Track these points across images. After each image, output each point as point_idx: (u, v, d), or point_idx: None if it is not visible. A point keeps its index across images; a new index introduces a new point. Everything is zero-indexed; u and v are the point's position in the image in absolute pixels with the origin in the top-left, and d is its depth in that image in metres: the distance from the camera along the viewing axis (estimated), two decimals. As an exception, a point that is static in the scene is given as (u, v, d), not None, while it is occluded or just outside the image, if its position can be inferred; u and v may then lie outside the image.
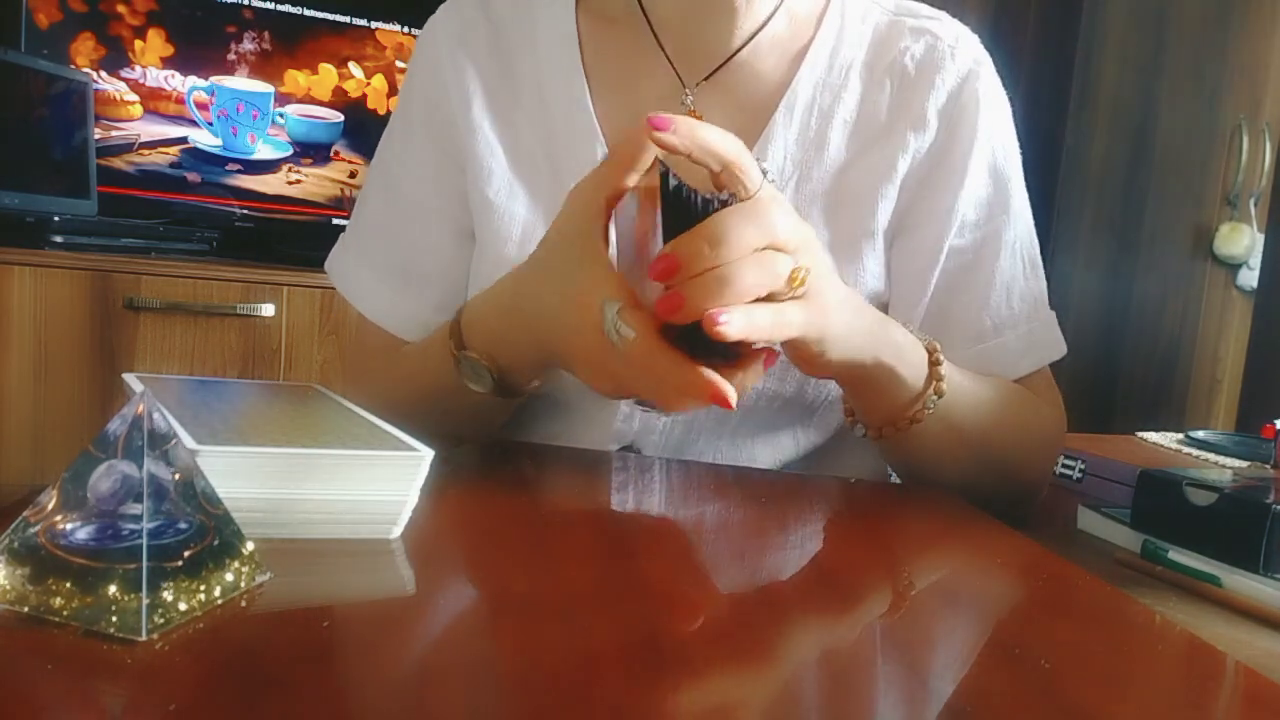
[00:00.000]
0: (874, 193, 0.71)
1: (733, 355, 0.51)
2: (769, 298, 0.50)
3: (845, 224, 0.71)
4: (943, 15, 0.76)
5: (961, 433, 0.67)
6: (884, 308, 0.75)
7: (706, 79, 0.73)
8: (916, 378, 0.63)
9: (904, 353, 0.62)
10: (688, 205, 0.49)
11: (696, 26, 0.72)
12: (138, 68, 1.97)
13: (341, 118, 2.11)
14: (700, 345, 0.49)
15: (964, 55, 0.73)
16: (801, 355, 0.57)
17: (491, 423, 0.70)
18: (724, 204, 0.49)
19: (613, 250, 0.55)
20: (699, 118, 0.72)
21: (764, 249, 0.49)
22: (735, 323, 0.47)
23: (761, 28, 0.72)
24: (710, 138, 0.50)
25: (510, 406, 0.67)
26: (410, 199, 0.76)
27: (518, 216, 0.72)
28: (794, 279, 0.50)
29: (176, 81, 2.00)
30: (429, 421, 0.67)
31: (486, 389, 0.63)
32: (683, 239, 0.48)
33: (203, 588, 0.33)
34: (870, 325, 0.59)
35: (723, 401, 0.49)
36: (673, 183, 0.49)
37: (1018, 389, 0.73)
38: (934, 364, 0.64)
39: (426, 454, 0.43)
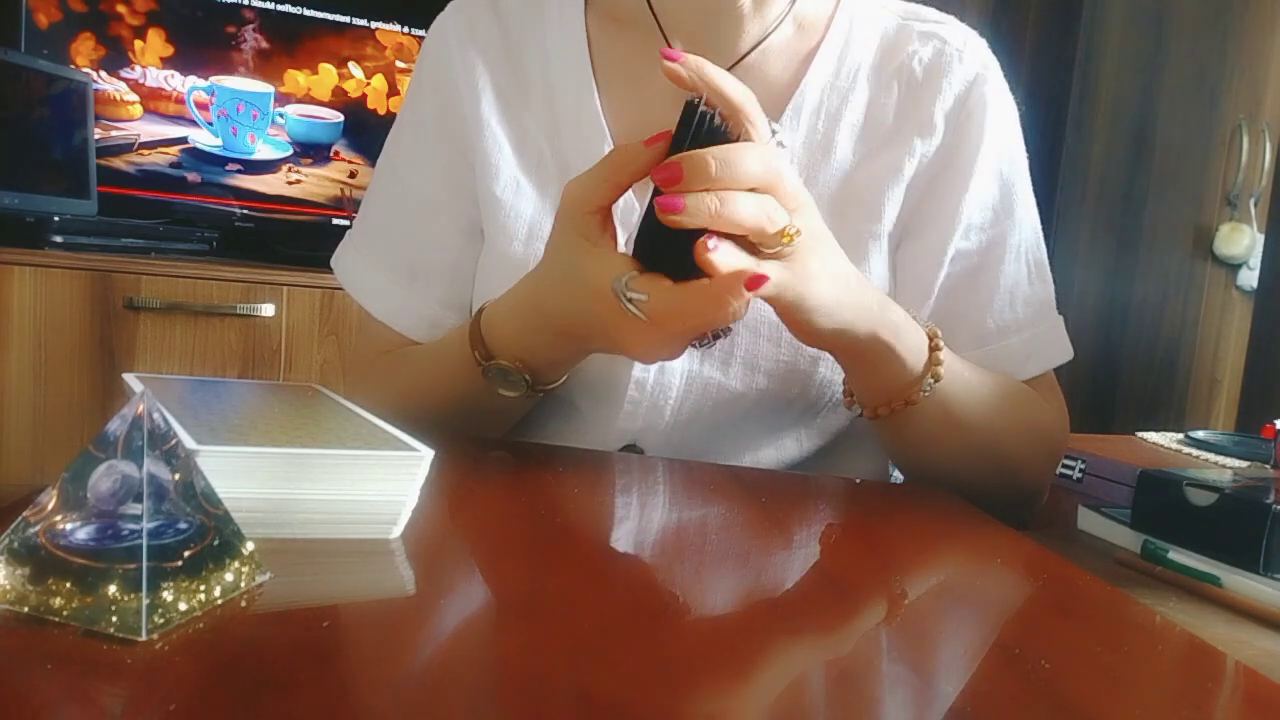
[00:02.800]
0: (880, 195, 0.72)
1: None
2: (755, 248, 0.51)
3: (851, 226, 0.71)
4: (950, 19, 0.76)
5: (959, 421, 0.67)
6: None
7: None
8: (915, 360, 0.63)
9: (902, 333, 0.62)
10: (704, 126, 0.50)
11: (705, 29, 0.72)
12: (138, 68, 1.97)
13: (341, 118, 2.11)
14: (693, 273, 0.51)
15: (971, 59, 0.73)
16: (786, 318, 0.58)
17: (512, 419, 0.70)
18: (737, 139, 0.51)
19: (622, 238, 0.57)
20: None
21: (765, 195, 0.51)
22: (724, 252, 0.49)
23: (770, 32, 0.73)
24: (718, 76, 0.52)
25: (534, 400, 0.67)
26: (418, 195, 0.77)
27: (524, 214, 0.72)
28: (784, 234, 0.52)
29: (176, 81, 2.00)
30: (444, 421, 0.67)
31: (520, 392, 0.64)
32: (694, 153, 0.50)
33: (203, 588, 0.33)
34: (866, 301, 0.60)
35: (759, 280, 0.50)
36: (700, 107, 0.51)
37: (1021, 387, 0.73)
38: (934, 349, 0.64)
39: (426, 454, 0.43)
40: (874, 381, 0.65)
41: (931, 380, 0.64)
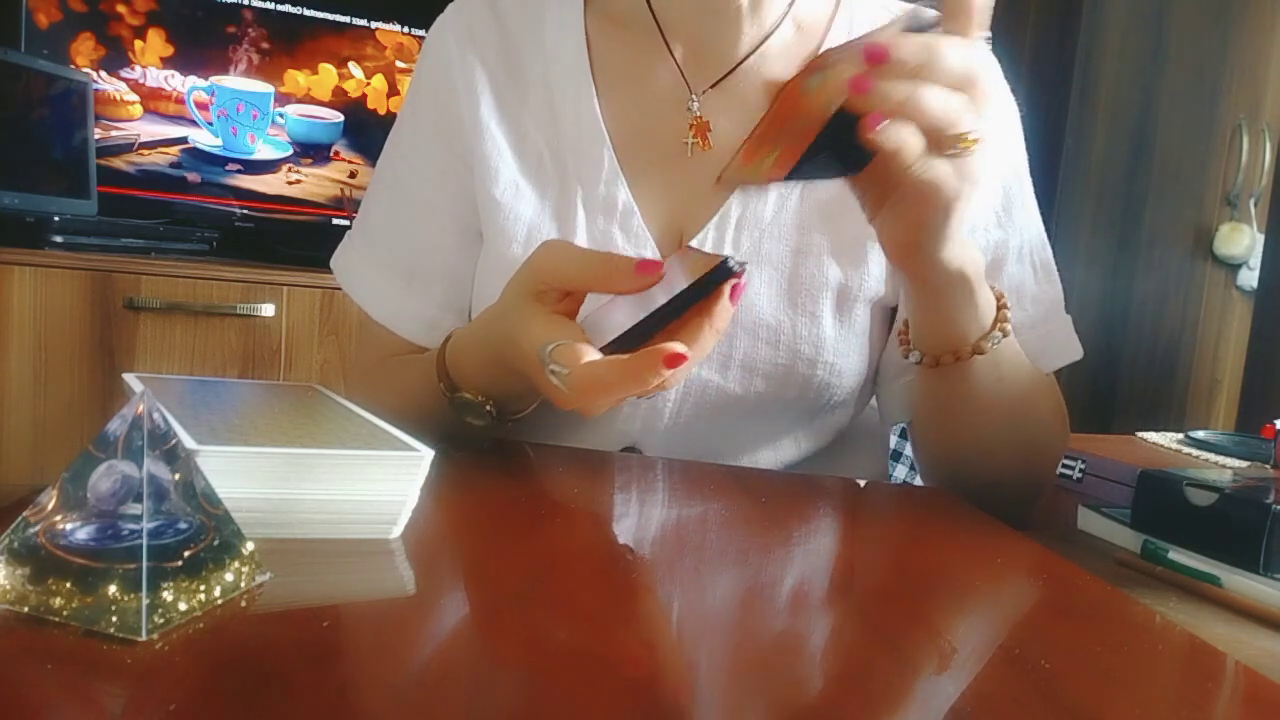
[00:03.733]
0: None
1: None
2: (934, 146, 0.50)
3: (849, 228, 0.71)
4: None
5: (1006, 387, 0.66)
6: (888, 312, 0.75)
7: (714, 85, 0.73)
8: (987, 310, 0.62)
9: (982, 282, 0.61)
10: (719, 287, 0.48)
11: (704, 32, 0.72)
12: (138, 68, 1.97)
13: (341, 118, 2.11)
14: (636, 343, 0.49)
15: None
16: (914, 234, 0.56)
17: (494, 435, 0.70)
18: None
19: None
20: (706, 124, 0.72)
21: (958, 93, 0.49)
22: (891, 134, 0.48)
23: (770, 34, 0.72)
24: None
25: (504, 427, 0.67)
26: (416, 197, 0.77)
27: (524, 216, 0.72)
28: (964, 139, 0.50)
29: (176, 81, 2.00)
30: (430, 432, 0.67)
31: (485, 422, 0.63)
32: (905, 37, 0.48)
33: (203, 588, 0.33)
34: (968, 241, 0.58)
35: (677, 358, 0.47)
36: (733, 265, 0.48)
37: (1045, 374, 0.73)
38: (1001, 306, 0.63)
39: (426, 454, 0.43)
40: (949, 323, 0.62)
41: (1000, 334, 0.63)
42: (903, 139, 0.48)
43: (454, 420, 0.65)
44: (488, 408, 0.63)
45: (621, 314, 0.52)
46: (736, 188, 0.54)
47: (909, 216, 0.54)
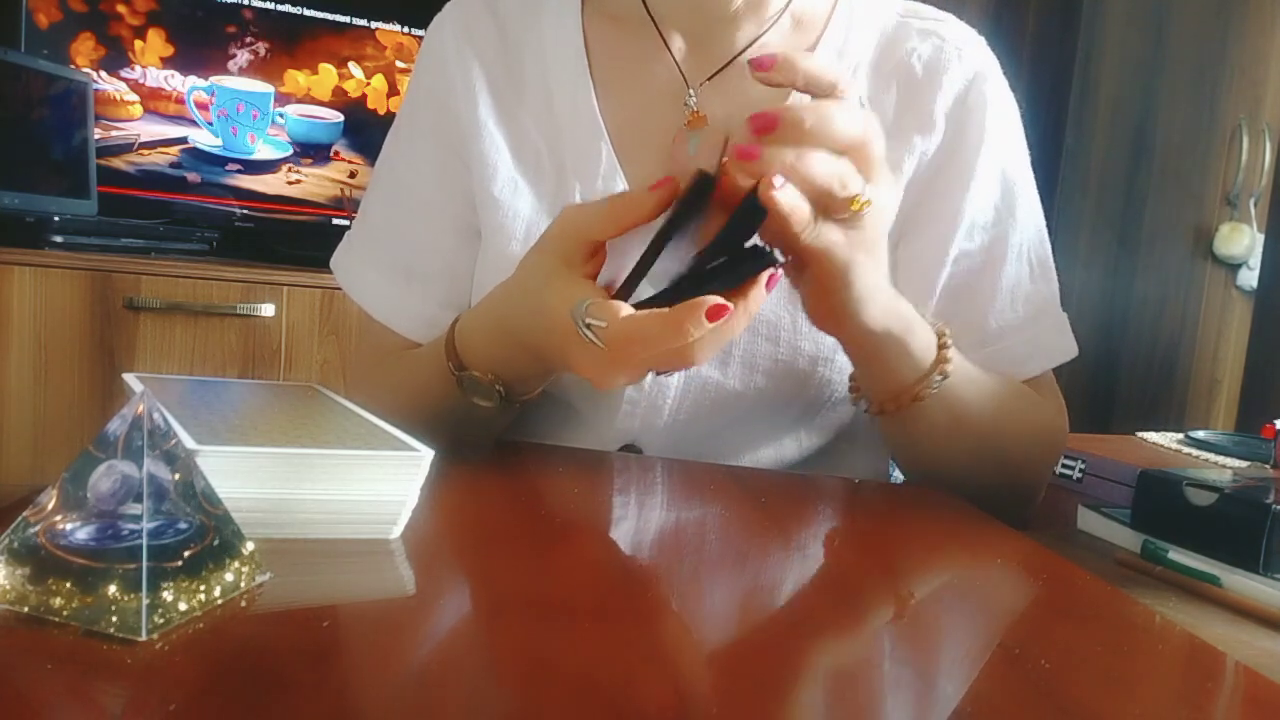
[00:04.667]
0: None
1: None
2: (823, 211, 0.50)
3: None
4: (949, 17, 0.76)
5: (964, 420, 0.66)
6: None
7: (710, 79, 0.73)
8: (924, 356, 0.63)
9: (913, 329, 0.61)
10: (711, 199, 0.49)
11: (701, 27, 0.72)
12: (138, 68, 1.97)
13: (341, 118, 2.11)
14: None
15: (971, 57, 0.73)
16: (817, 291, 0.57)
17: (497, 428, 0.70)
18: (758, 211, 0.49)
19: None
20: (703, 118, 0.72)
21: (844, 158, 0.50)
22: (789, 194, 0.48)
23: (767, 29, 0.73)
24: (809, 65, 0.51)
25: (515, 410, 0.67)
26: (415, 196, 0.77)
27: (522, 214, 0.72)
28: (855, 201, 0.51)
29: (176, 81, 2.00)
30: (433, 429, 0.67)
31: (493, 403, 0.63)
32: (792, 105, 0.49)
33: (203, 588, 0.33)
34: (887, 297, 0.59)
35: (720, 310, 0.47)
36: (709, 175, 0.49)
37: (1023, 388, 0.73)
38: (942, 347, 0.64)
39: (426, 454, 0.43)
40: (883, 376, 0.64)
41: (939, 377, 0.63)
42: (789, 203, 0.49)
43: (459, 410, 0.65)
44: (496, 387, 0.63)
45: (634, 249, 0.53)
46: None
47: (818, 284, 0.56)
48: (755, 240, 0.50)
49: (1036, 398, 0.74)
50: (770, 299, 0.70)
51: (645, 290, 0.52)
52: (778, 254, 0.50)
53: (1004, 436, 0.69)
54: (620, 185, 0.71)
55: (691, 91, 0.72)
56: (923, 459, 0.70)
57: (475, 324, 0.64)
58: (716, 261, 0.50)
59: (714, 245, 0.50)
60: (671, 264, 0.51)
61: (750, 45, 0.72)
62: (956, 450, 0.68)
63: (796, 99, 0.71)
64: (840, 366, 0.71)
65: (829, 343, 0.71)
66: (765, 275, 0.50)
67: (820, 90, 0.51)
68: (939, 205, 0.72)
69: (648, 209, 0.52)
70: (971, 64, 0.73)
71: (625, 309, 0.50)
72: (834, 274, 0.54)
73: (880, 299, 0.57)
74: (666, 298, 0.49)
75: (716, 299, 0.47)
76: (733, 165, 0.49)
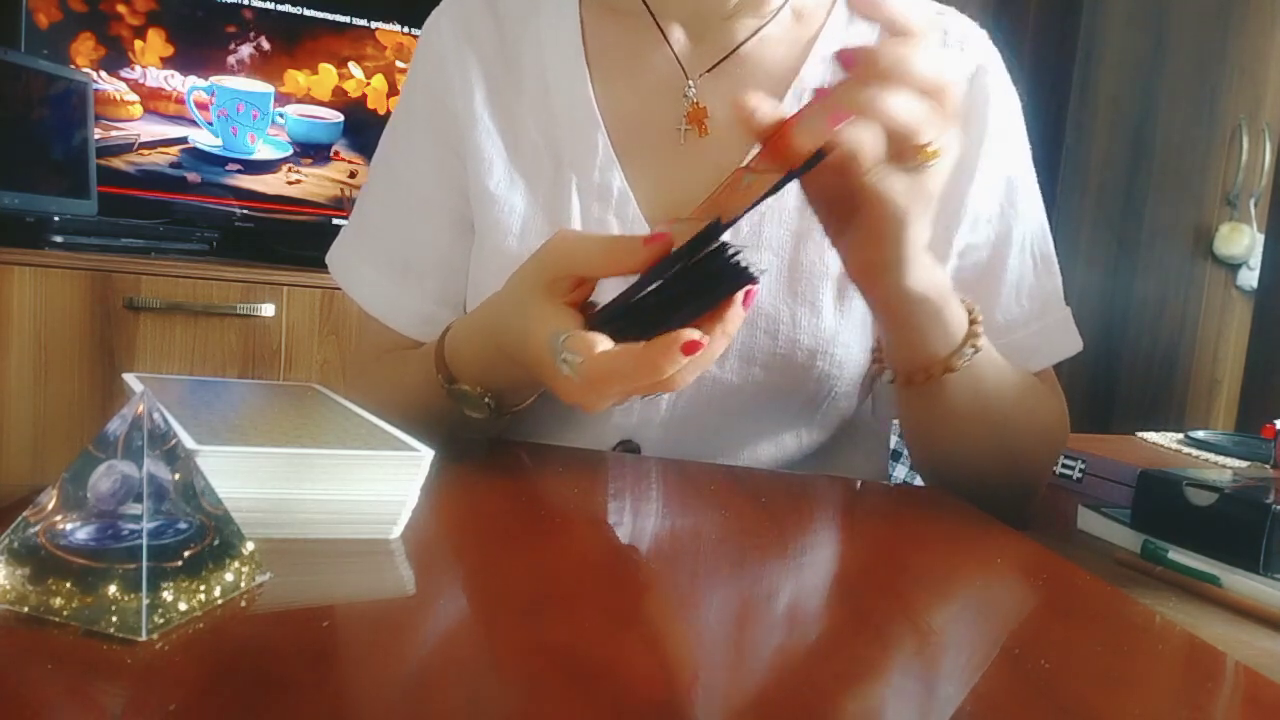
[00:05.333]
0: None
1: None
2: (894, 155, 0.49)
3: None
4: (952, 10, 0.76)
5: (986, 402, 0.66)
6: None
7: (709, 71, 0.73)
8: (957, 328, 0.62)
9: (949, 299, 0.61)
10: (721, 251, 0.48)
11: (699, 18, 0.73)
12: (138, 68, 1.97)
13: (341, 118, 2.11)
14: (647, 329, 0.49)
15: (973, 51, 0.73)
16: (868, 253, 0.55)
17: (492, 431, 0.70)
18: (749, 277, 0.48)
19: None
20: (704, 110, 0.72)
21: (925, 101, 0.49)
22: (851, 134, 0.47)
23: (767, 21, 0.72)
24: (896, 6, 0.50)
25: (508, 420, 0.67)
26: (411, 191, 0.77)
27: (518, 208, 0.72)
28: (925, 150, 0.50)
29: (176, 81, 2.00)
30: (428, 430, 0.67)
31: (483, 414, 0.63)
32: (880, 44, 0.48)
33: (203, 588, 0.33)
34: (930, 260, 0.58)
35: (695, 345, 0.47)
36: (723, 229, 0.47)
37: (1035, 380, 0.73)
38: (973, 322, 0.63)
39: (426, 454, 0.43)
40: (917, 344, 0.62)
41: (971, 350, 0.62)
42: (861, 140, 0.48)
43: (452, 415, 0.65)
44: (486, 399, 0.63)
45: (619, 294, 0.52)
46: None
47: (866, 235, 0.54)
48: (737, 256, 0.49)
49: (1047, 392, 0.74)
50: (769, 291, 0.70)
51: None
52: (755, 271, 0.48)
53: (1018, 426, 0.69)
54: (617, 176, 0.71)
55: (690, 83, 0.72)
56: (938, 440, 0.69)
57: (464, 336, 0.64)
58: (685, 283, 0.49)
59: (673, 258, 0.49)
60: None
61: (750, 38, 0.72)
62: (973, 434, 0.67)
63: (796, 92, 0.71)
64: (839, 361, 0.71)
65: (827, 336, 0.70)
66: (742, 294, 0.49)
67: (901, 32, 0.50)
68: (943, 200, 0.72)
69: (639, 261, 0.51)
70: (974, 57, 0.73)
71: (601, 344, 0.49)
72: (888, 224, 0.53)
73: (925, 260, 0.56)
74: (639, 328, 0.49)
75: (692, 333, 0.47)
76: (813, 99, 0.48)
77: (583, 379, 0.50)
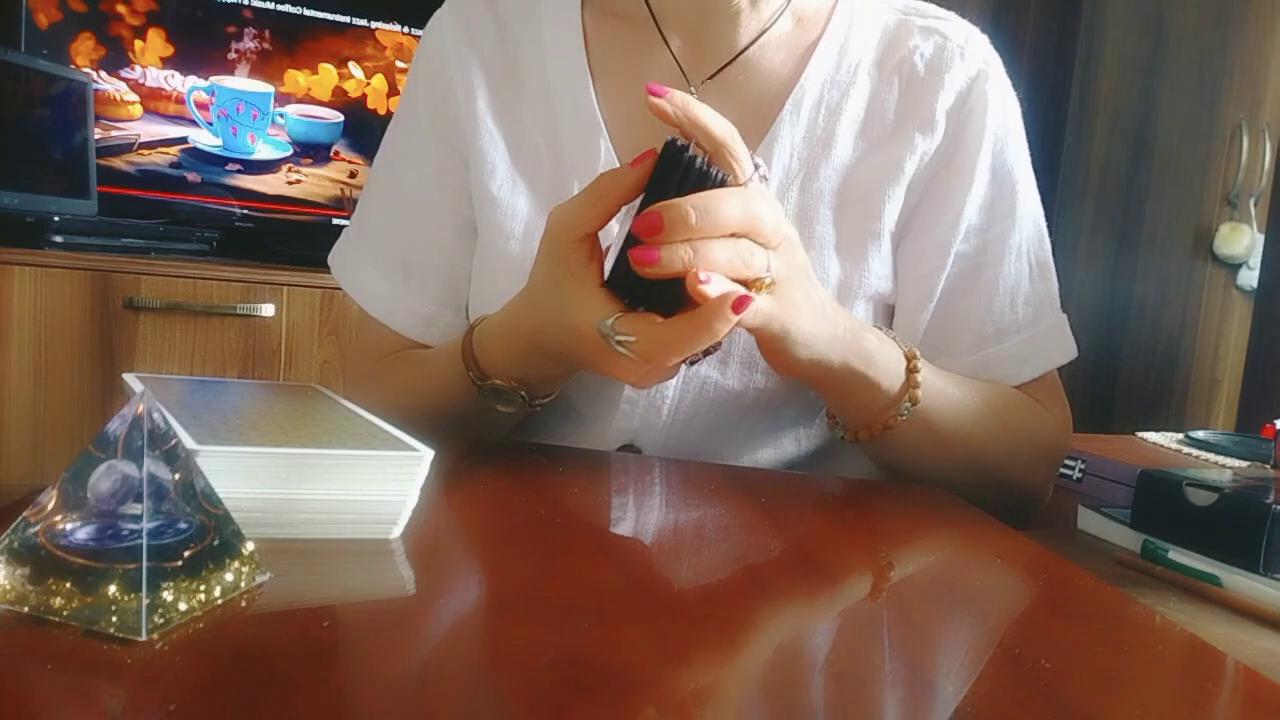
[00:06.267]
0: (881, 193, 0.71)
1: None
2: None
3: (851, 224, 0.71)
4: (952, 15, 0.76)
5: (945, 436, 0.67)
6: (890, 309, 0.75)
7: (711, 78, 0.73)
8: (891, 384, 0.64)
9: (875, 360, 0.63)
10: (687, 166, 0.51)
11: (701, 24, 0.72)
12: (138, 68, 1.97)
13: (341, 118, 2.11)
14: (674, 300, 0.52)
15: (973, 56, 0.73)
16: (765, 348, 0.59)
17: (511, 424, 0.71)
18: (719, 180, 0.51)
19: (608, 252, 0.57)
20: None
21: (743, 237, 0.52)
22: (716, 283, 0.50)
23: (768, 26, 0.72)
24: (703, 114, 0.53)
25: (530, 411, 0.68)
26: (412, 193, 0.77)
27: (520, 211, 0.72)
28: (759, 282, 0.53)
29: (176, 81, 2.00)
30: (444, 429, 0.68)
31: (517, 408, 0.65)
32: (674, 203, 0.50)
33: (203, 588, 0.33)
34: (840, 331, 0.61)
35: (745, 300, 0.50)
36: (679, 143, 0.51)
37: (1013, 394, 0.73)
38: (911, 371, 0.65)
39: (426, 454, 0.43)
40: (850, 407, 0.66)
41: (909, 404, 0.65)
42: (725, 290, 0.51)
43: (480, 411, 0.65)
44: (520, 393, 0.64)
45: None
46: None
47: (759, 343, 0.59)
48: (701, 162, 0.52)
49: (1030, 404, 0.74)
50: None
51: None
52: (720, 174, 0.52)
53: (989, 449, 0.70)
54: None
55: (692, 89, 0.72)
56: (911, 476, 0.70)
57: (495, 334, 0.65)
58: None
59: (646, 197, 0.52)
60: None
61: (752, 43, 0.72)
62: (940, 466, 0.69)
63: (797, 98, 0.71)
64: None
65: None
66: (733, 302, 0.52)
67: (710, 147, 0.53)
68: (940, 205, 0.72)
69: (629, 185, 0.53)
70: (974, 63, 0.73)
71: (650, 319, 0.52)
72: (775, 335, 0.56)
73: (824, 337, 0.59)
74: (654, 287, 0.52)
75: (739, 288, 0.50)
76: (636, 261, 0.51)
77: (641, 355, 0.52)
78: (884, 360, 0.63)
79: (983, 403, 0.70)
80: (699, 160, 0.51)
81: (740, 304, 0.50)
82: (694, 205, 0.50)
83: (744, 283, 0.53)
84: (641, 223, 0.50)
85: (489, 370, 0.64)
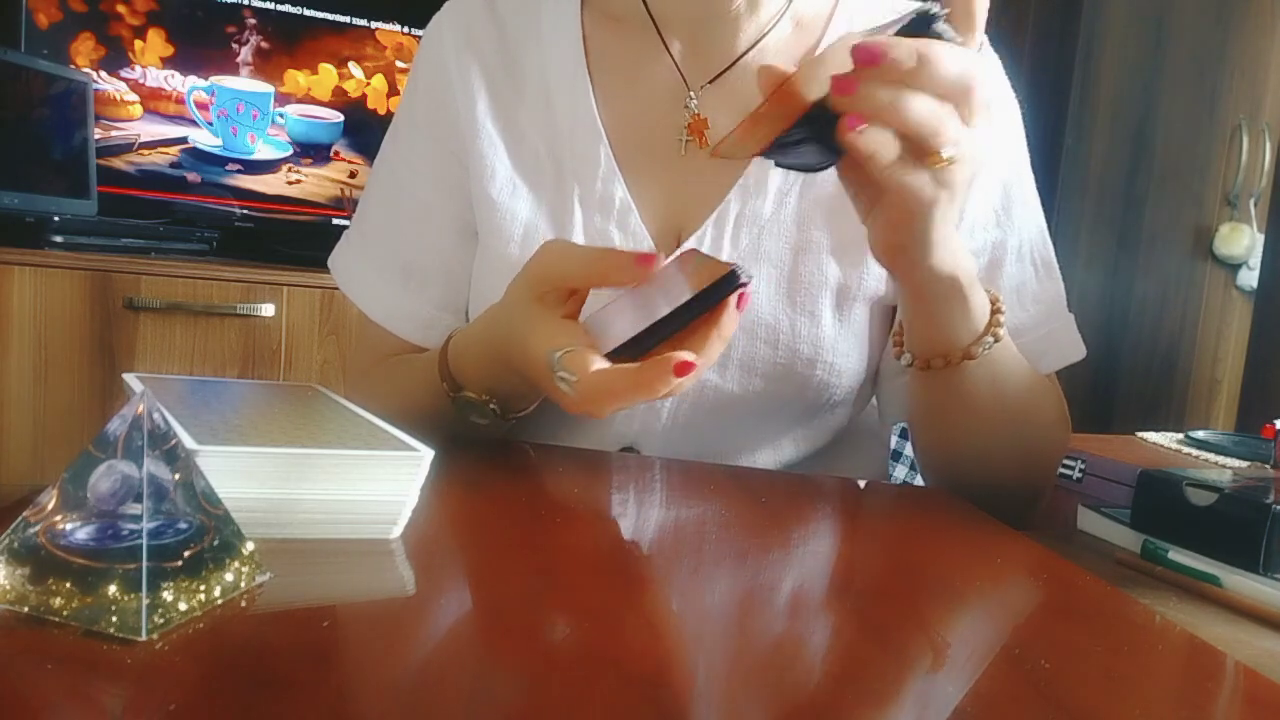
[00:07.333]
0: None
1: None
2: (912, 155, 0.49)
3: (849, 228, 0.71)
4: None
5: (1003, 392, 0.65)
6: (888, 312, 0.75)
7: (711, 82, 0.73)
8: (980, 315, 0.62)
9: (975, 285, 0.60)
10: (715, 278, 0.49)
11: (700, 28, 0.72)
12: (138, 68, 1.97)
13: (341, 118, 2.11)
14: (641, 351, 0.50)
15: None
16: (894, 236, 0.55)
17: (495, 434, 0.71)
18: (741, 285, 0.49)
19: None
20: (704, 121, 0.72)
21: (947, 103, 0.48)
22: (870, 137, 0.47)
23: (767, 31, 0.72)
24: None
25: (511, 424, 0.67)
26: (413, 196, 0.77)
27: (520, 215, 0.72)
28: (940, 159, 0.49)
29: (176, 81, 2.00)
30: (429, 433, 0.68)
31: (488, 421, 0.64)
32: (899, 42, 0.47)
33: (203, 588, 0.33)
34: (958, 244, 0.58)
35: (686, 366, 0.48)
36: (742, 276, 0.48)
37: (1044, 378, 0.73)
38: (995, 311, 0.63)
39: (426, 454, 0.43)
40: (940, 328, 0.62)
41: (992, 339, 0.62)
42: (878, 145, 0.48)
43: (457, 420, 0.65)
44: (491, 406, 0.63)
45: (624, 321, 0.52)
46: (729, 158, 0.55)
47: (892, 219, 0.54)
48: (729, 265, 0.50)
49: (1056, 392, 0.74)
50: (769, 302, 0.70)
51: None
52: (743, 275, 0.49)
53: (1031, 422, 0.69)
54: (619, 187, 0.71)
55: (692, 94, 0.72)
56: (952, 429, 0.68)
57: (467, 346, 0.64)
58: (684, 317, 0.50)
59: (684, 310, 0.50)
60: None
61: (751, 48, 0.72)
62: (987, 426, 0.67)
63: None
64: (838, 369, 0.71)
65: (826, 345, 0.71)
66: (735, 297, 0.49)
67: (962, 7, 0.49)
68: None
69: (627, 278, 0.52)
70: None
71: (596, 362, 0.50)
72: (912, 214, 0.53)
73: (950, 245, 0.56)
74: (637, 344, 0.50)
75: (684, 354, 0.48)
76: (831, 96, 0.48)
77: (579, 397, 0.50)
78: (979, 289, 0.61)
79: (1032, 374, 0.69)
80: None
81: (682, 369, 0.47)
82: (919, 49, 0.46)
83: (920, 153, 0.49)
84: (862, 51, 0.46)
85: (462, 381, 0.64)
